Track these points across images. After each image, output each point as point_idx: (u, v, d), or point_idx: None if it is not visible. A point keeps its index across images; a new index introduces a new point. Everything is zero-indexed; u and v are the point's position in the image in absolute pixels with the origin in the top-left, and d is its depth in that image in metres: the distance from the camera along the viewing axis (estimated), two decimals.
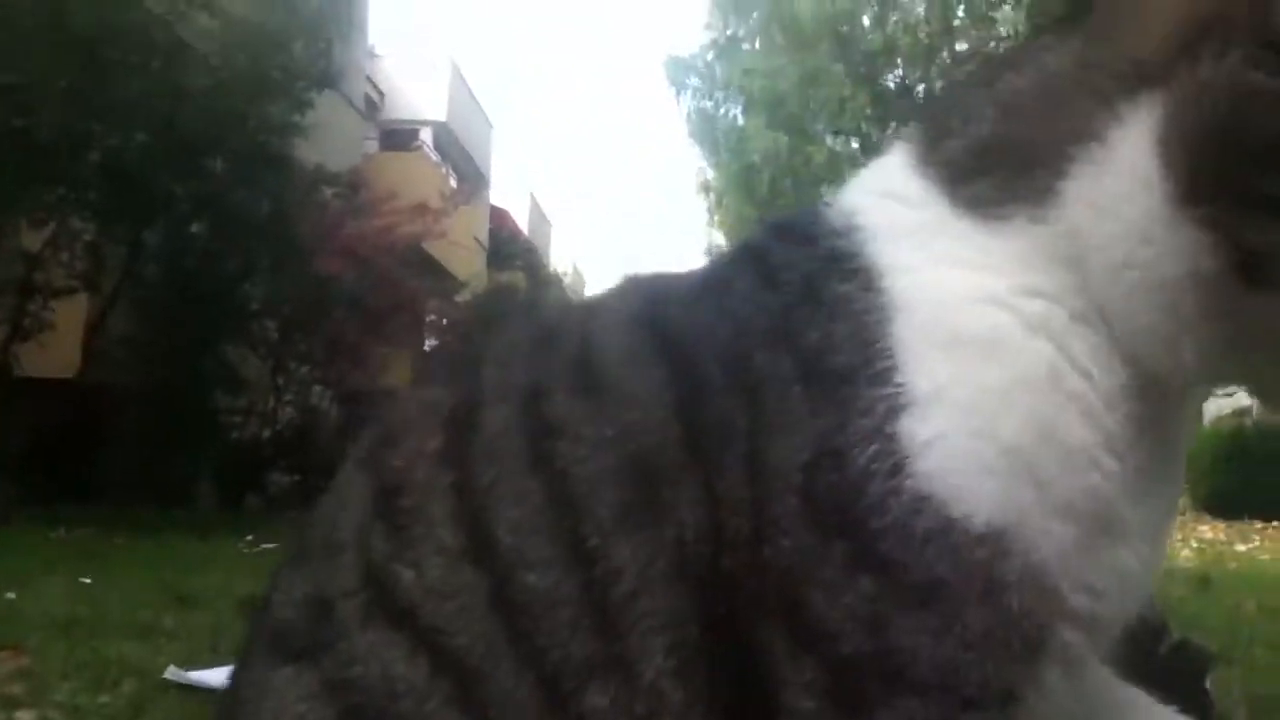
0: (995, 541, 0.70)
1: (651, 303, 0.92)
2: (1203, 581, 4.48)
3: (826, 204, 0.87)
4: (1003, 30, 16.52)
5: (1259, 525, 10.38)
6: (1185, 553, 6.95)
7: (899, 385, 0.74)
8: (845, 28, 18.99)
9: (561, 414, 0.82)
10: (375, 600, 0.79)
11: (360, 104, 16.54)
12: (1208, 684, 1.65)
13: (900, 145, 0.86)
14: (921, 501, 0.71)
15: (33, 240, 8.67)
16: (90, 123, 8.17)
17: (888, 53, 18.05)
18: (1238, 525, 10.33)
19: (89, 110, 7.94)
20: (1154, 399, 0.76)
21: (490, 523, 0.80)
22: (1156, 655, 1.63)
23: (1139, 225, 0.71)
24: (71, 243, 8.82)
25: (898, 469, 0.72)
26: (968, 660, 0.71)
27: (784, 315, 0.80)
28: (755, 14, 19.99)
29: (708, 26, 20.27)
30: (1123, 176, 0.72)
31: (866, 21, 19.53)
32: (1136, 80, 0.72)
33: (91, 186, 8.62)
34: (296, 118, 9.39)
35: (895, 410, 0.73)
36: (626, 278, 0.98)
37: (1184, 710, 1.57)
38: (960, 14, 18.31)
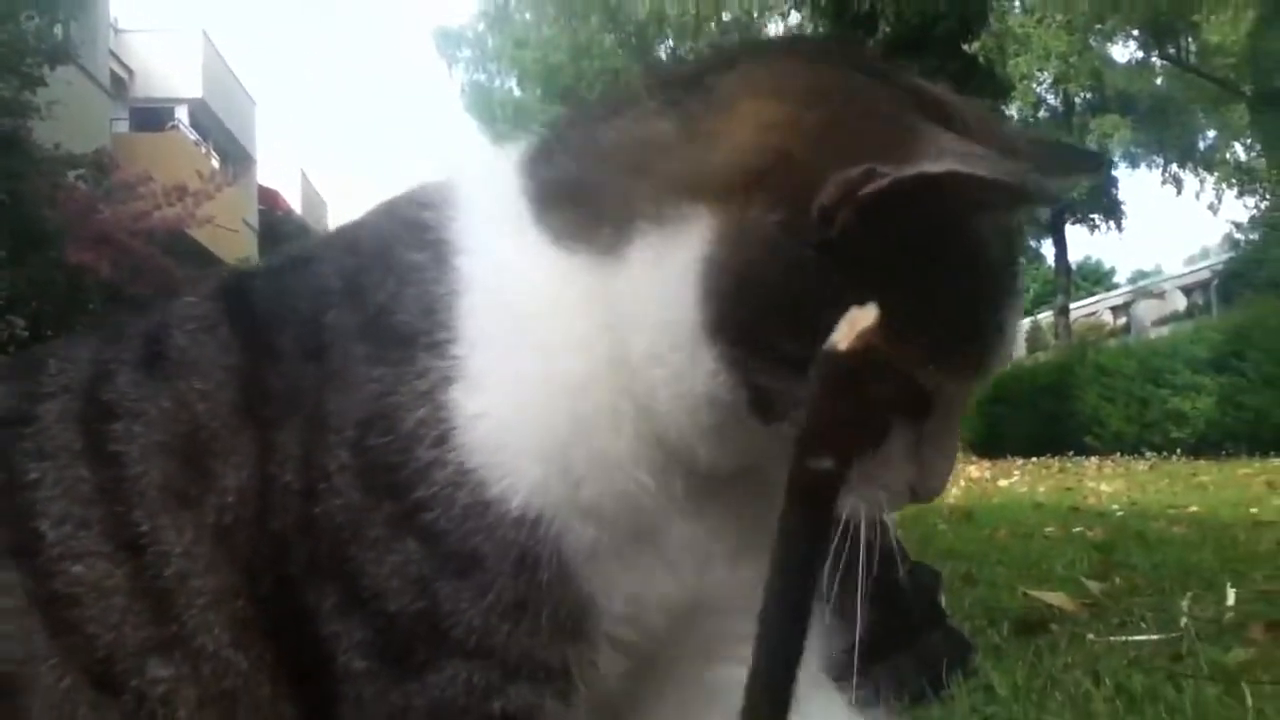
0: (529, 525, 0.74)
1: (237, 277, 0.92)
2: (965, 515, 4.75)
3: (426, 182, 0.88)
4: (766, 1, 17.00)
5: (1019, 461, 11.17)
6: (954, 491, 7.40)
7: (455, 357, 0.76)
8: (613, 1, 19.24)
9: (122, 394, 0.81)
10: None
11: (105, 81, 15.45)
12: (941, 600, 1.73)
13: (515, 148, 0.88)
14: (464, 475, 0.74)
15: None
16: None
17: (657, 23, 18.30)
18: (1000, 463, 11.07)
19: None
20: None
21: (34, 519, 0.77)
22: (895, 580, 1.73)
23: (673, 330, 0.73)
24: None
25: (443, 439, 0.74)
26: (505, 630, 0.74)
27: (356, 275, 0.82)
28: None
29: None
30: (671, 275, 0.73)
31: None
32: (703, 189, 0.73)
33: None
34: (28, 95, 8.67)
35: (448, 380, 0.76)
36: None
37: (920, 624, 1.64)
38: None
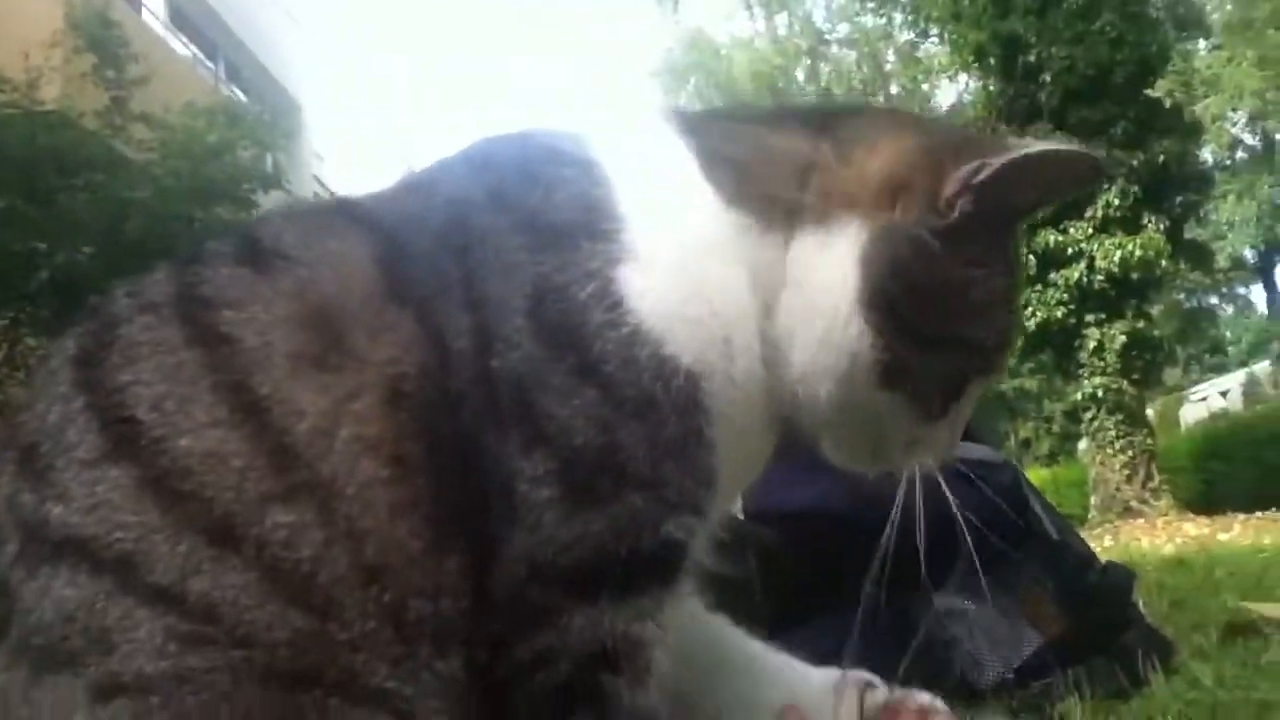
0: (697, 380, 0.88)
1: (341, 199, 1.02)
2: (1178, 561, 4.53)
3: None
4: (934, 65, 16.94)
5: (1241, 516, 10.40)
6: (1169, 548, 7.01)
7: (621, 243, 0.89)
8: (780, 83, 19.51)
9: (223, 287, 0.88)
10: (31, 551, 0.80)
11: None
12: (1136, 598, 1.69)
13: (656, 113, 1.04)
14: (640, 334, 0.87)
15: None
16: (35, 241, 8.18)
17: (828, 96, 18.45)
18: (1220, 519, 10.34)
19: (32, 230, 7.96)
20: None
21: (127, 409, 0.82)
22: (1090, 580, 1.70)
23: (834, 297, 0.92)
24: (26, 358, 8.78)
25: (616, 305, 0.87)
26: (670, 466, 0.86)
27: (498, 186, 0.94)
28: (692, 79, 20.42)
29: None
30: (833, 260, 0.93)
31: (800, 75, 20.02)
32: (858, 202, 0.94)
33: (43, 304, 8.60)
34: (244, 216, 9.48)
35: (615, 260, 0.88)
36: None
37: (1115, 619, 1.61)
38: (890, 57, 18.84)
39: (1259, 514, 10.38)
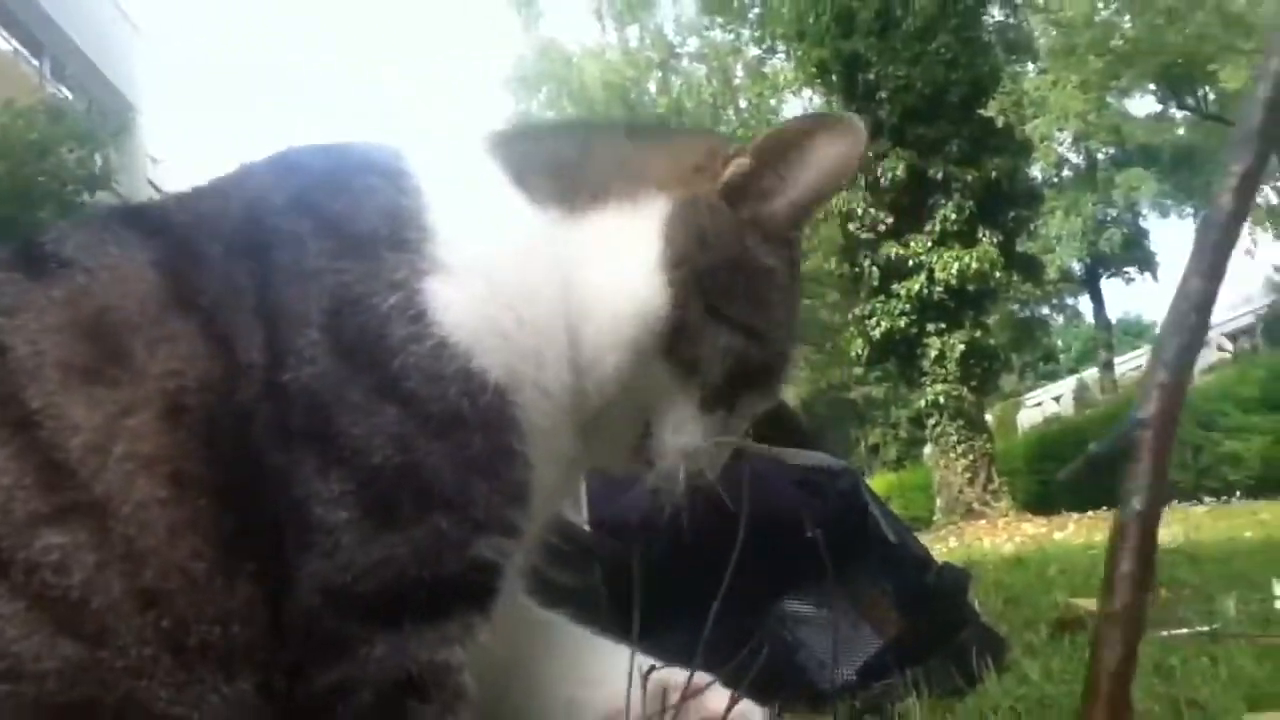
0: (505, 394, 0.85)
1: (127, 204, 1.01)
2: (1016, 560, 4.71)
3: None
4: (780, 80, 17.36)
5: (1075, 516, 10.94)
6: (1008, 546, 7.32)
7: (427, 254, 0.86)
8: (633, 94, 19.69)
9: None
10: None
11: None
12: (972, 600, 1.73)
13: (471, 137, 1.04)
14: (445, 348, 0.83)
15: None
16: None
17: (676, 115, 18.73)
18: (1055, 519, 10.86)
19: None
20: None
21: None
22: (927, 582, 1.73)
23: (638, 258, 0.95)
24: None
25: (420, 316, 0.83)
26: (479, 486, 0.83)
27: (302, 193, 0.90)
28: (544, 89, 20.41)
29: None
30: (639, 228, 0.96)
31: (652, 87, 20.24)
32: (661, 182, 0.99)
33: None
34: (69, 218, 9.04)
35: (421, 271, 0.85)
36: None
37: (951, 619, 1.63)
38: (739, 72, 19.22)
39: (1090, 512, 10.95)
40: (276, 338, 0.81)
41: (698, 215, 0.98)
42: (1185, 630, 1.80)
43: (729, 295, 0.98)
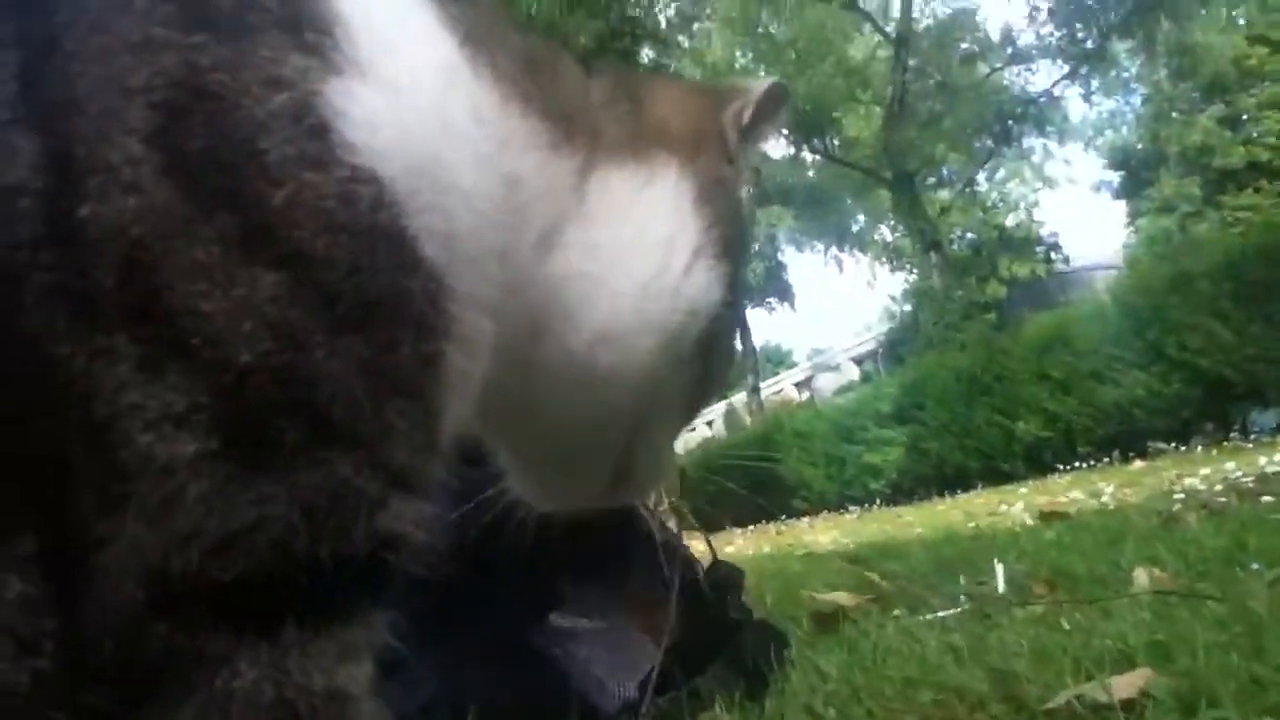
0: (438, 279, 0.57)
1: None
2: None
3: None
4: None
5: (739, 531, 11.48)
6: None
7: (337, 43, 0.56)
8: None
9: None
10: None
11: None
12: (743, 598, 1.64)
13: None
14: (357, 187, 0.53)
15: None
16: None
17: None
18: (721, 535, 11.32)
19: None
20: None
21: None
22: (699, 581, 1.62)
23: (663, 243, 0.77)
24: None
25: (320, 133, 0.53)
26: (394, 414, 0.54)
27: None
28: None
29: None
30: (661, 205, 0.78)
31: None
32: (669, 144, 0.81)
33: None
34: None
35: (327, 68, 0.55)
36: None
37: (729, 619, 1.52)
38: None
39: (752, 527, 11.54)
40: (67, 149, 0.50)
41: (724, 194, 0.83)
42: (941, 614, 1.80)
43: (737, 282, 0.83)
